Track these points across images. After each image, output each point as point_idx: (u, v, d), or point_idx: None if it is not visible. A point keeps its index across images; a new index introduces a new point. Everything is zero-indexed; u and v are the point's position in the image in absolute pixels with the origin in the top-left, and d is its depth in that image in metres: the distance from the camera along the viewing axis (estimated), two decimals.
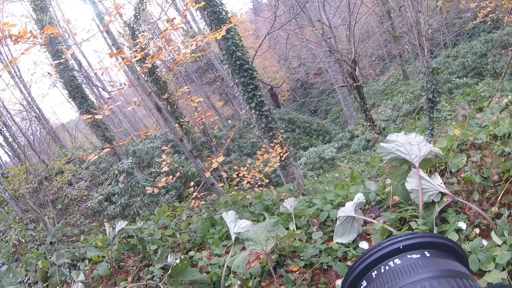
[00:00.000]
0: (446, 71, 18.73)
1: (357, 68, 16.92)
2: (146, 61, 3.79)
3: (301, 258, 2.57)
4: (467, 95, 9.54)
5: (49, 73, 11.94)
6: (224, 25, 4.26)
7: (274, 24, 13.73)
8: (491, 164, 2.83)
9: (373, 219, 2.68)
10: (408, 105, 18.32)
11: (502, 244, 2.25)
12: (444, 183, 2.67)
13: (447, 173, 2.89)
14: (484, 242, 2.31)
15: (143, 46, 3.99)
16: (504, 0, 11.38)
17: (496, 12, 12.28)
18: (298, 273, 2.52)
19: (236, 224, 2.73)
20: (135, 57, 3.59)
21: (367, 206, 2.94)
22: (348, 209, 2.63)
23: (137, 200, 11.39)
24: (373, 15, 25.62)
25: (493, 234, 2.34)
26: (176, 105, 15.24)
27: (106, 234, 3.07)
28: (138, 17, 14.98)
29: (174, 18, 3.59)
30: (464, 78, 17.01)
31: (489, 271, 2.13)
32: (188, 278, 2.48)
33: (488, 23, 15.38)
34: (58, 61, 10.36)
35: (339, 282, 2.37)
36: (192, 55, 3.91)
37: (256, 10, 37.66)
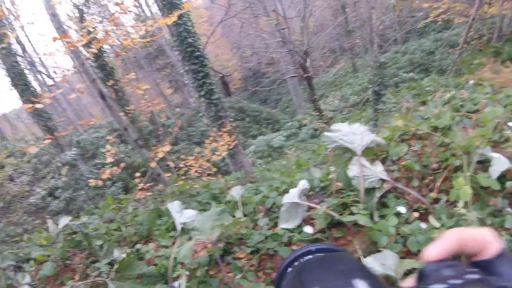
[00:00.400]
0: (394, 66, 19.66)
1: (308, 59, 17.29)
2: (92, 46, 3.55)
3: (248, 244, 2.60)
4: (412, 89, 10.09)
5: None
6: (177, 11, 4.11)
7: (229, 12, 13.56)
8: (431, 153, 3.03)
9: (317, 204, 2.76)
10: (356, 96, 19.07)
11: (440, 227, 2.41)
12: (385, 171, 2.80)
13: (388, 161, 3.06)
14: (423, 225, 2.45)
15: (90, 30, 3.74)
16: (456, 3, 12.24)
17: (448, 13, 13.12)
18: (245, 260, 2.55)
19: (181, 214, 2.69)
20: (81, 41, 3.34)
21: (311, 192, 3.02)
22: (292, 196, 2.69)
23: (82, 194, 10.82)
24: (328, 8, 26.23)
25: (431, 218, 2.52)
26: (123, 93, 14.55)
27: (49, 232, 2.89)
28: None
29: (123, 0, 3.39)
30: (411, 73, 17.89)
31: None
32: (135, 272, 2.41)
33: (439, 23, 16.34)
34: (1, 46, 9.47)
35: None
36: (141, 40, 3.74)
37: None
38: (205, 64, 9.76)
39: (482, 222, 2.51)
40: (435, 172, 2.89)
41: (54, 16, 3.60)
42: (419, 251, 2.31)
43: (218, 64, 31.00)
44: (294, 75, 21.18)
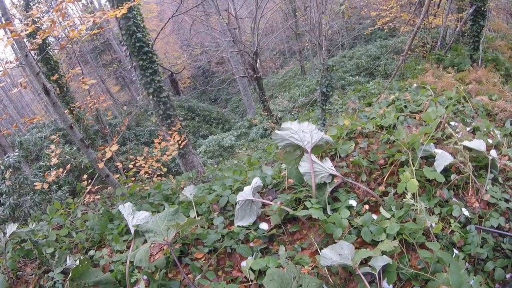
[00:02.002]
0: (341, 69, 20.46)
1: (258, 60, 17.48)
2: (37, 36, 3.29)
3: (205, 244, 2.60)
4: (358, 91, 10.57)
5: None
6: (127, 3, 3.94)
7: (180, 8, 13.26)
8: (377, 150, 3.23)
9: (271, 201, 2.83)
10: (304, 97, 19.60)
11: (390, 217, 2.59)
12: (335, 167, 2.94)
13: (337, 157, 3.21)
14: (374, 217, 2.62)
15: (35, 19, 3.45)
16: (402, 12, 13.01)
17: (394, 22, 13.90)
18: (204, 260, 2.54)
19: (134, 216, 2.61)
20: (25, 30, 3.07)
21: (264, 189, 3.09)
22: (246, 193, 2.74)
23: (27, 199, 9.94)
24: (279, 11, 26.63)
25: (381, 209, 2.69)
26: (67, 88, 13.64)
27: None
28: None
29: None
30: (357, 77, 18.73)
31: (381, 241, 2.42)
32: (91, 280, 2.30)
33: (385, 30, 17.24)
34: None
35: (244, 263, 2.46)
36: (88, 32, 3.54)
37: None
38: (154, 61, 9.44)
39: (430, 212, 2.74)
40: (382, 167, 3.10)
41: None
42: (372, 240, 2.46)
43: (167, 61, 30.24)
44: (244, 75, 21.26)
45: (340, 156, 3.22)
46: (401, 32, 12.99)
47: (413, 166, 2.86)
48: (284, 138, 2.89)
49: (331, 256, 2.17)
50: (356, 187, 2.94)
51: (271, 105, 19.00)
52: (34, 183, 5.24)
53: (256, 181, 2.86)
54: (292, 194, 2.85)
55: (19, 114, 28.33)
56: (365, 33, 20.62)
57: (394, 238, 2.45)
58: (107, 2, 9.39)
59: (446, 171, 2.90)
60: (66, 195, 10.84)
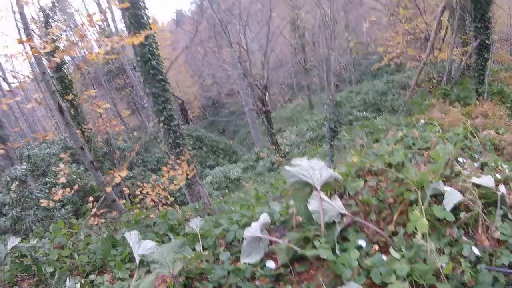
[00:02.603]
0: (348, 105, 20.58)
1: (267, 93, 17.76)
2: (55, 55, 3.40)
3: (209, 280, 2.53)
4: (366, 127, 10.60)
5: None
6: (144, 30, 4.08)
7: (195, 40, 13.71)
8: (386, 188, 3.18)
9: (278, 238, 2.77)
10: (311, 132, 19.67)
11: (400, 258, 2.51)
12: (344, 205, 2.89)
13: (346, 195, 3.17)
14: (384, 258, 2.54)
15: (55, 38, 3.59)
16: (408, 48, 13.31)
17: (400, 58, 14.17)
18: None
19: (140, 245, 2.57)
20: (44, 48, 3.18)
21: (272, 226, 3.03)
22: (254, 229, 2.69)
23: (30, 213, 9.91)
24: (288, 46, 27.37)
25: (391, 249, 2.60)
26: (80, 109, 13.91)
27: None
28: (57, 4, 13.55)
29: (94, 14, 3.32)
30: (364, 112, 18.80)
31: (391, 283, 2.34)
32: None
33: (392, 66, 17.55)
34: None
35: None
36: (106, 56, 3.64)
37: (178, 21, 37.13)
38: (167, 89, 9.65)
39: (440, 251, 2.65)
40: (391, 206, 3.03)
41: (22, 17, 3.42)
42: (382, 282, 2.38)
43: (178, 90, 30.87)
44: (253, 108, 21.57)
45: (349, 194, 3.18)
46: (408, 67, 13.17)
47: (423, 205, 2.82)
48: (294, 175, 2.87)
49: None
50: (365, 227, 2.88)
51: (279, 139, 19.08)
52: (40, 199, 5.23)
53: (264, 218, 2.82)
54: (300, 232, 2.80)
55: (29, 128, 28.72)
56: (372, 69, 20.95)
57: (404, 280, 2.38)
58: (125, 28, 9.72)
59: (455, 209, 2.86)
60: (69, 214, 10.80)
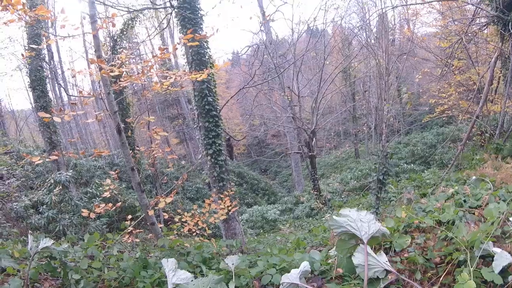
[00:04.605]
0: (396, 156, 19.94)
1: (314, 138, 17.73)
2: (122, 79, 3.66)
3: None
4: (413, 180, 10.14)
5: (22, 55, 11.19)
6: (206, 69, 4.30)
7: (248, 81, 14.25)
8: (434, 247, 2.98)
9: None
10: (355, 181, 19.10)
11: None
12: (389, 261, 2.74)
13: (392, 251, 3.00)
14: None
15: (121, 62, 3.88)
16: (461, 100, 12.84)
17: (452, 110, 13.69)
18: None
19: (175, 274, 2.54)
20: (112, 71, 3.44)
21: (310, 275, 2.90)
22: (293, 276, 2.60)
23: (66, 217, 10.40)
24: (339, 93, 27.55)
25: None
26: (132, 131, 14.73)
27: (26, 246, 2.71)
28: (125, 32, 14.90)
29: (166, 48, 3.56)
30: (412, 165, 18.06)
31: None
32: None
33: (443, 118, 16.97)
34: (37, 47, 9.84)
35: None
36: (169, 88, 3.85)
37: (234, 61, 39.10)
38: (219, 125, 9.95)
39: None
40: (438, 266, 2.82)
41: (95, 38, 3.74)
42: None
43: (227, 127, 31.82)
44: (298, 151, 21.54)
45: (394, 251, 3.02)
46: (460, 120, 12.59)
47: (471, 267, 2.58)
48: (341, 225, 2.79)
49: None
50: (409, 286, 2.69)
51: (321, 185, 18.69)
52: (79, 207, 5.42)
53: (305, 265, 2.72)
54: (341, 285, 2.63)
55: (80, 139, 30.61)
56: (422, 121, 20.32)
57: None
58: (185, 63, 10.32)
59: (503, 271, 2.59)
60: (103, 226, 11.15)
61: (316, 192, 17.20)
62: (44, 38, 11.28)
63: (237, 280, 2.85)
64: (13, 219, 10.15)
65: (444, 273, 2.73)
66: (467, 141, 8.75)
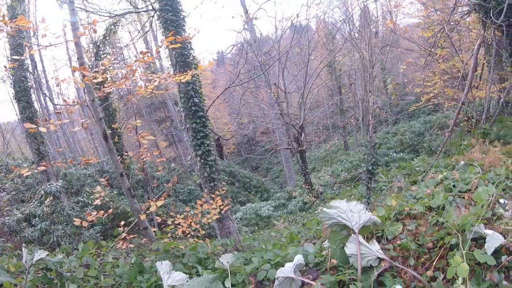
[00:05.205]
0: (385, 146, 20.19)
1: (303, 133, 17.82)
2: (106, 85, 3.63)
3: None
4: (403, 168, 10.28)
5: (5, 66, 11.00)
6: (191, 70, 4.30)
7: (235, 81, 14.24)
8: (425, 232, 3.05)
9: (312, 280, 2.68)
10: (346, 173, 19.27)
11: None
12: (381, 249, 2.79)
13: (384, 239, 3.05)
14: None
15: (106, 69, 3.85)
16: (446, 87, 13.05)
17: (438, 98, 13.92)
18: None
19: (170, 276, 2.55)
20: (95, 78, 3.42)
21: (305, 267, 2.94)
22: (287, 270, 2.63)
23: (59, 228, 10.31)
24: (325, 88, 27.72)
25: None
26: (120, 137, 14.59)
27: (21, 260, 2.69)
28: (107, 37, 14.75)
29: (148, 52, 3.54)
30: (401, 153, 18.29)
31: None
32: None
33: (430, 106, 17.24)
34: (19, 57, 9.69)
35: None
36: (154, 92, 3.84)
37: (219, 61, 38.98)
38: (206, 125, 9.94)
39: None
40: (431, 250, 2.88)
41: (77, 46, 3.70)
42: None
43: (216, 127, 31.73)
44: (288, 147, 21.63)
45: (387, 238, 3.07)
46: (446, 107, 12.79)
47: (463, 249, 2.65)
48: (332, 217, 2.83)
49: None
50: (403, 272, 2.75)
51: (313, 179, 18.81)
52: (71, 217, 5.39)
53: (299, 259, 2.76)
54: (335, 275, 2.68)
55: (69, 148, 30.16)
56: (409, 110, 20.65)
57: None
58: (170, 66, 10.28)
59: (496, 252, 2.67)
60: (97, 234, 11.08)
61: (308, 186, 17.31)
62: (26, 48, 11.12)
63: (233, 278, 2.87)
64: (6, 234, 10.01)
65: (437, 258, 2.77)
66: (454, 128, 8.91)
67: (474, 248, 2.75)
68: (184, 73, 4.07)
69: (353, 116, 26.76)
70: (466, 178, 4.05)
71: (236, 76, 13.79)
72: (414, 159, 13.95)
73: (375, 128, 16.98)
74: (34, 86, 16.60)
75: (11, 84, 13.78)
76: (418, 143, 18.67)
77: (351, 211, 2.79)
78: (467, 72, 9.05)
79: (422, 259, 2.85)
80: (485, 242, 2.66)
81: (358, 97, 22.67)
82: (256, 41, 19.61)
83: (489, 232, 2.77)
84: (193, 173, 21.40)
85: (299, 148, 17.49)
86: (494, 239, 2.67)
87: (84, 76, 3.37)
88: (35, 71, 18.69)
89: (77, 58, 3.79)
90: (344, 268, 2.77)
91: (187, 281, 2.47)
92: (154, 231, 4.56)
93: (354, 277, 2.63)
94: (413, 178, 6.06)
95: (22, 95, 13.15)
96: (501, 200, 3.46)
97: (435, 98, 14.64)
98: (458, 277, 2.41)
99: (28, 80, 13.69)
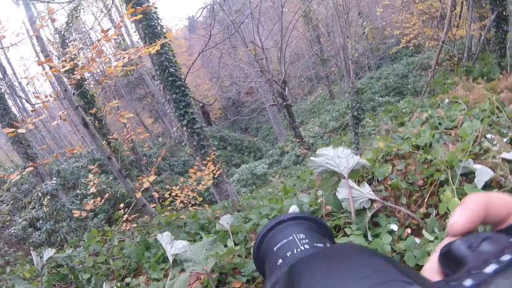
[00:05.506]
0: (370, 91, 20.26)
1: (286, 88, 17.68)
2: (75, 72, 3.52)
3: (243, 273, 2.55)
4: (389, 112, 10.37)
5: None
6: (159, 40, 4.15)
7: (209, 43, 13.83)
8: (415, 171, 3.11)
9: None
10: (335, 122, 19.46)
11: (434, 239, 2.46)
12: (373, 191, 2.86)
13: (375, 181, 3.12)
14: (417, 240, 2.50)
15: (72, 56, 3.71)
16: (425, 28, 12.90)
17: (418, 39, 13.83)
18: None
19: (172, 245, 2.61)
20: (63, 67, 3.30)
21: None
22: None
23: (64, 225, 10.42)
24: (304, 39, 27.16)
25: (424, 232, 2.55)
26: (104, 121, 14.36)
27: (33, 264, 2.74)
28: (71, 24, 14.12)
29: (109, 29, 3.40)
30: (386, 97, 18.46)
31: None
32: None
33: (410, 48, 17.27)
34: None
35: None
36: (124, 68, 3.73)
37: (191, 27, 37.65)
38: (186, 94, 9.78)
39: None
40: (422, 188, 2.97)
41: (38, 39, 3.55)
42: (416, 265, 2.33)
43: (198, 94, 31.27)
44: (273, 103, 21.53)
45: (377, 180, 3.13)
46: (427, 48, 12.75)
47: (454, 185, 2.74)
48: (320, 165, 2.84)
49: None
50: (396, 211, 2.83)
51: (302, 132, 18.96)
52: (72, 211, 5.44)
53: (294, 209, 2.83)
54: (331, 221, 2.77)
55: (56, 145, 29.77)
56: (390, 53, 20.64)
57: None
58: (140, 40, 9.95)
59: (487, 186, 2.77)
60: (102, 222, 11.24)
61: (298, 140, 17.47)
62: None
63: (234, 237, 2.96)
64: (15, 243, 10.09)
65: (429, 195, 2.84)
66: (437, 67, 8.91)
67: (464, 183, 2.81)
68: (153, 44, 3.95)
69: (334, 65, 26.49)
70: (451, 115, 4.06)
71: (209, 39, 13.38)
72: (400, 101, 14.09)
73: (358, 74, 16.91)
74: (8, 91, 15.99)
75: None
76: (402, 85, 18.73)
77: (338, 157, 2.77)
78: (446, 11, 8.91)
79: (414, 197, 2.92)
80: (474, 177, 2.72)
81: (338, 45, 22.32)
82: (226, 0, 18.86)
83: (478, 166, 2.82)
84: (183, 144, 21.40)
85: (285, 103, 17.43)
86: (483, 173, 2.72)
87: (51, 67, 3.24)
88: (5, 76, 17.95)
89: (41, 51, 3.63)
90: (339, 213, 2.86)
91: (189, 247, 2.55)
92: (154, 207, 4.64)
93: (349, 220, 2.73)
94: (400, 120, 6.12)
95: None
96: (488, 135, 3.53)
97: (415, 39, 14.51)
98: (450, 212, 2.46)
99: (1, 86, 13.17)
